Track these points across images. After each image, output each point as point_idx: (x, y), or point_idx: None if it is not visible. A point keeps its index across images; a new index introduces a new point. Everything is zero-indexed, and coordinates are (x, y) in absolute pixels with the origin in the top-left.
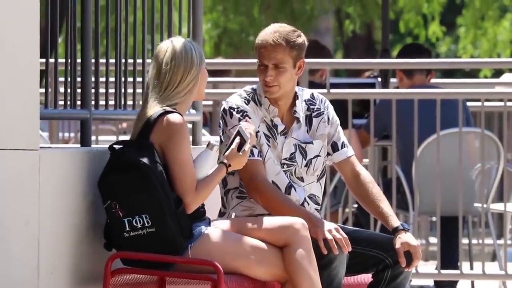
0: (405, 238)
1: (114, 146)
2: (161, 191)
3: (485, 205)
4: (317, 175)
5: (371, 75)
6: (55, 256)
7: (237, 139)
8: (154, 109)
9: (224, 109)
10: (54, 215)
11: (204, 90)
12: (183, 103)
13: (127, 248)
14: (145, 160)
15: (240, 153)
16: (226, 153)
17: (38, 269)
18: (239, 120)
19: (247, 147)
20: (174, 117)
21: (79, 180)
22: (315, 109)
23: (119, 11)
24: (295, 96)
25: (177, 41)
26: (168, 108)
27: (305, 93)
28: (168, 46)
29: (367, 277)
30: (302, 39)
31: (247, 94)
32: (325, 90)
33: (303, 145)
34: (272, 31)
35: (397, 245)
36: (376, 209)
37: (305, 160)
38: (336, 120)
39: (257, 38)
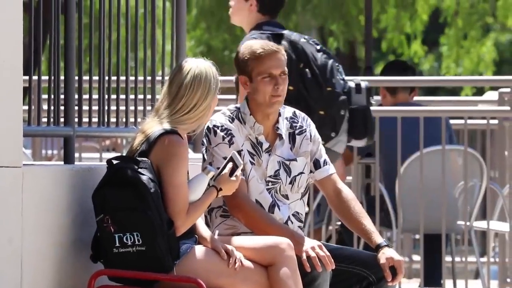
0: (389, 253)
1: (112, 160)
2: (155, 212)
3: (468, 223)
4: (301, 193)
5: None
6: (38, 273)
7: (230, 164)
8: (158, 126)
9: (208, 127)
10: (37, 232)
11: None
12: (189, 128)
13: (114, 263)
14: (143, 178)
15: (233, 178)
16: (218, 177)
17: (21, 286)
18: (223, 138)
19: (239, 172)
20: (174, 139)
21: (62, 197)
22: (297, 127)
23: (103, 28)
24: (278, 113)
25: (200, 64)
26: (169, 128)
27: (286, 110)
28: (191, 67)
29: None
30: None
31: (231, 113)
32: None
33: (287, 162)
34: (263, 42)
35: (382, 260)
36: (359, 226)
37: (289, 177)
38: (318, 138)
39: (252, 52)
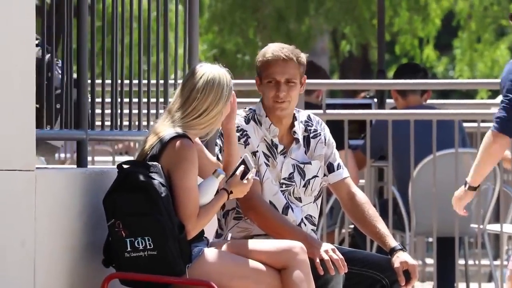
0: (404, 257)
1: (123, 165)
2: (166, 216)
3: (481, 226)
4: (315, 196)
5: (367, 95)
6: (51, 277)
7: (241, 167)
8: (169, 130)
9: (221, 132)
10: (50, 236)
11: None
12: (199, 133)
13: (126, 268)
14: (153, 183)
15: (244, 181)
16: (229, 180)
17: None
18: (239, 138)
19: (250, 176)
20: (184, 143)
21: (75, 201)
22: (312, 130)
23: (115, 32)
24: (294, 117)
25: (214, 70)
26: (180, 131)
27: (301, 114)
28: (205, 72)
29: None
30: (304, 56)
31: (247, 114)
32: (321, 111)
33: (302, 166)
34: (280, 47)
35: (396, 264)
36: (373, 230)
37: (304, 180)
38: (332, 141)
39: (264, 55)
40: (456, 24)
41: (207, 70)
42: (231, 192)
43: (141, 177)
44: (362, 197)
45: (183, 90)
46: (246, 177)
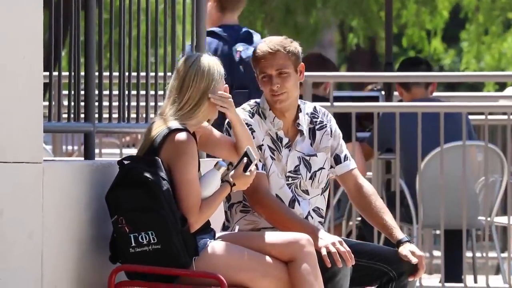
0: (411, 248)
1: (123, 161)
2: (168, 209)
3: (489, 218)
4: (322, 188)
5: (374, 88)
6: (59, 269)
7: (244, 160)
8: (167, 123)
9: (228, 123)
10: (57, 228)
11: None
12: (198, 123)
13: (132, 263)
14: (153, 177)
15: (247, 173)
16: (232, 172)
17: (41, 281)
18: None
19: (253, 168)
20: (183, 136)
21: (82, 193)
22: (318, 122)
23: (123, 24)
24: (298, 109)
25: (203, 58)
26: (179, 125)
27: (307, 106)
28: (193, 61)
29: None
30: (295, 44)
31: (251, 108)
32: (328, 104)
33: (307, 158)
34: (267, 42)
35: (405, 252)
36: (380, 222)
37: (310, 172)
38: (339, 133)
39: (254, 53)
40: (463, 17)
41: (195, 59)
42: (234, 184)
43: (142, 173)
44: (369, 189)
45: (174, 83)
46: (249, 169)
